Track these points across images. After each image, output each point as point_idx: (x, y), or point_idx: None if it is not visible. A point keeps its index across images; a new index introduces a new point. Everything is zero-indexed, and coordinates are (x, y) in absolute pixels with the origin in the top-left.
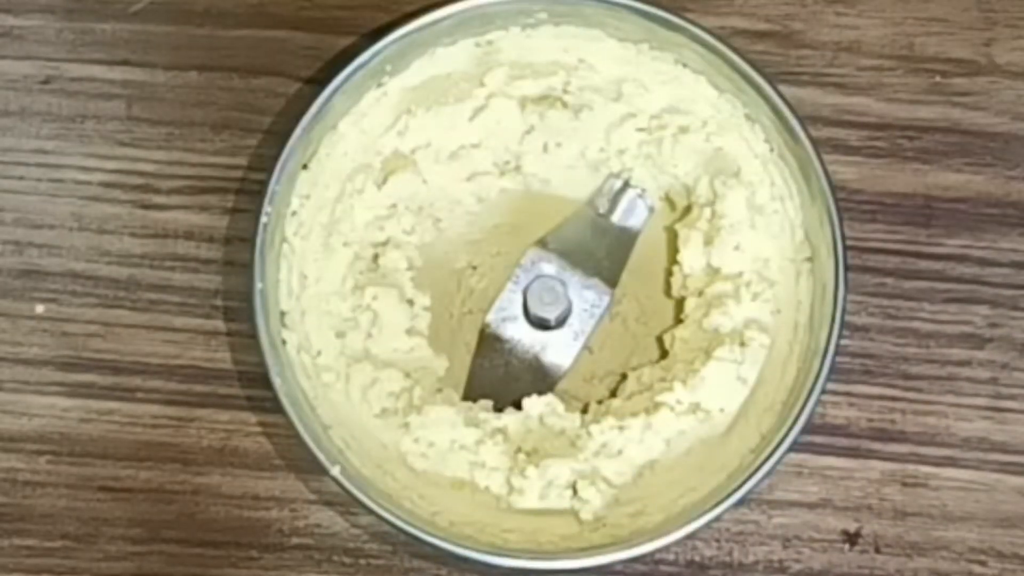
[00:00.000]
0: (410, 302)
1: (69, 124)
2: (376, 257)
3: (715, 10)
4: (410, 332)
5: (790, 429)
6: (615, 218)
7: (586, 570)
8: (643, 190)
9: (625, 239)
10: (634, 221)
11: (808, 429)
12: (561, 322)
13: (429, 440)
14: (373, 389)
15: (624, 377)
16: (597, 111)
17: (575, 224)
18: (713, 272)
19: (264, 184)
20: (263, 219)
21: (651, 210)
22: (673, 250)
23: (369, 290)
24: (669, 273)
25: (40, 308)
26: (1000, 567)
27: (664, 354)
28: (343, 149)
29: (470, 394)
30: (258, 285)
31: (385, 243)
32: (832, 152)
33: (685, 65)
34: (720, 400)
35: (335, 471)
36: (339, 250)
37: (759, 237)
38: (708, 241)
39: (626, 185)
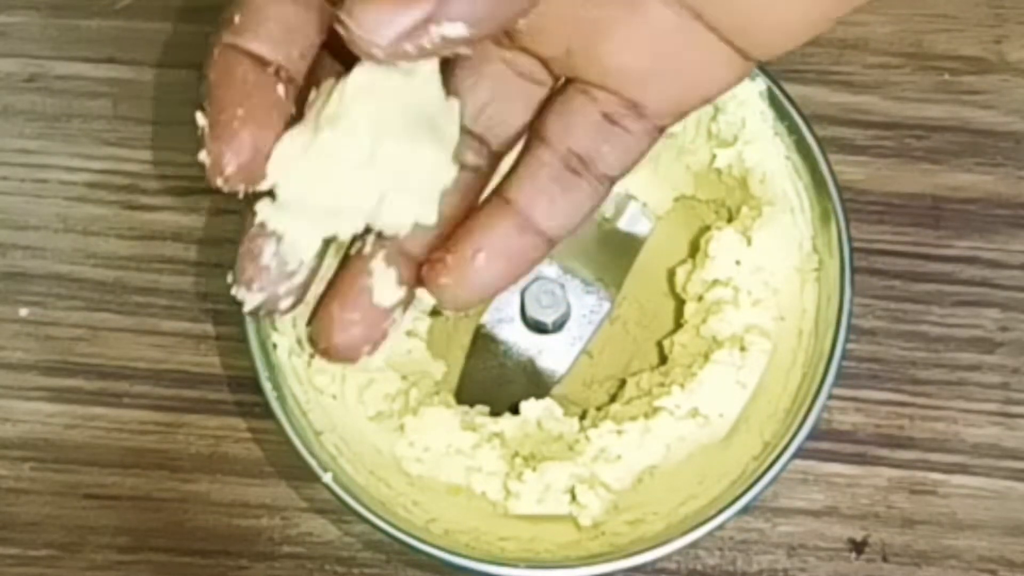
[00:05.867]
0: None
1: (54, 123)
2: None
3: None
4: (409, 334)
5: (795, 434)
6: (620, 224)
7: None
8: (644, 203)
9: (630, 245)
10: (640, 228)
11: (814, 435)
12: (559, 326)
13: (425, 444)
14: (369, 390)
15: (623, 382)
16: None
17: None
18: (712, 281)
19: None
20: None
21: (653, 223)
22: (679, 252)
23: None
24: (672, 273)
25: (24, 311)
26: None
27: (664, 359)
28: None
29: (462, 395)
30: None
31: None
32: (838, 152)
33: None
34: (719, 405)
35: (327, 478)
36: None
37: (765, 247)
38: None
39: (630, 196)
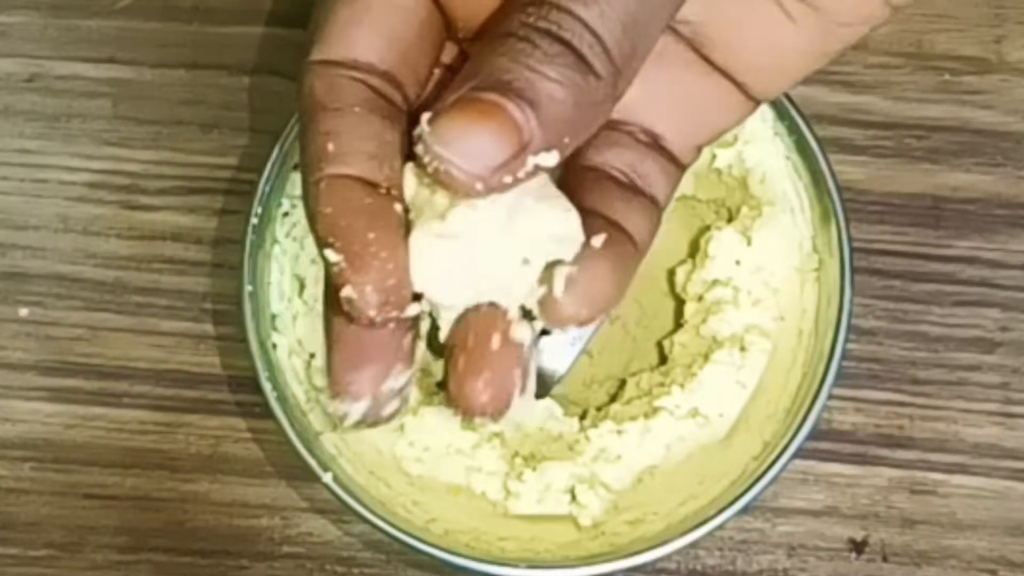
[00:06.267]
0: None
1: (54, 123)
2: None
3: None
4: None
5: (795, 434)
6: None
7: None
8: None
9: None
10: None
11: (814, 435)
12: None
13: (424, 444)
14: None
15: (623, 382)
16: None
17: None
18: (712, 281)
19: (254, 185)
20: (253, 220)
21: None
22: (679, 252)
23: None
24: (672, 273)
25: (24, 311)
26: None
27: (664, 359)
28: None
29: None
30: (248, 288)
31: None
32: (838, 152)
33: None
34: (719, 405)
35: (327, 478)
36: None
37: (765, 247)
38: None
39: None
